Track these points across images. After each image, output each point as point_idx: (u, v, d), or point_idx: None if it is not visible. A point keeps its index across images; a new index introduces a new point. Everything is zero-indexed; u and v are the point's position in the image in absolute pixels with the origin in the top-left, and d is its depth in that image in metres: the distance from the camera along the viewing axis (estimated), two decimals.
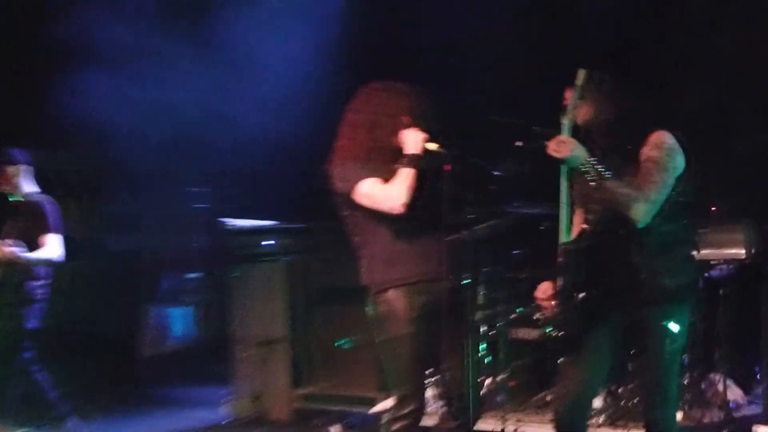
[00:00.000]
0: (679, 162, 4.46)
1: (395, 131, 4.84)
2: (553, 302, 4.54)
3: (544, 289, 4.68)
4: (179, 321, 10.57)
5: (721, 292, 6.92)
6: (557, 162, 4.36)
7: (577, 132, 4.51)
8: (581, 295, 4.41)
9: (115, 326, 9.47)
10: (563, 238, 4.47)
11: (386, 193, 4.74)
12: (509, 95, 7.21)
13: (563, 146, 4.35)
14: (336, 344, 7.74)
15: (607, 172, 4.34)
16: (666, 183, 4.40)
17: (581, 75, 4.47)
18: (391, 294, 4.79)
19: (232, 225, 8.37)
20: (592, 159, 4.37)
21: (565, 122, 4.44)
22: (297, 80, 8.27)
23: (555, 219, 4.51)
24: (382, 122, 4.84)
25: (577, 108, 4.47)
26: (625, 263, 4.42)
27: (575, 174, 4.42)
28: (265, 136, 8.34)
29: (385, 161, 4.81)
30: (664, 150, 4.42)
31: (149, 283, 10.55)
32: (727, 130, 7.59)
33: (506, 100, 6.77)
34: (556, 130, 4.48)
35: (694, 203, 4.51)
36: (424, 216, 4.79)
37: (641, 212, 4.35)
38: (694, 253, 4.71)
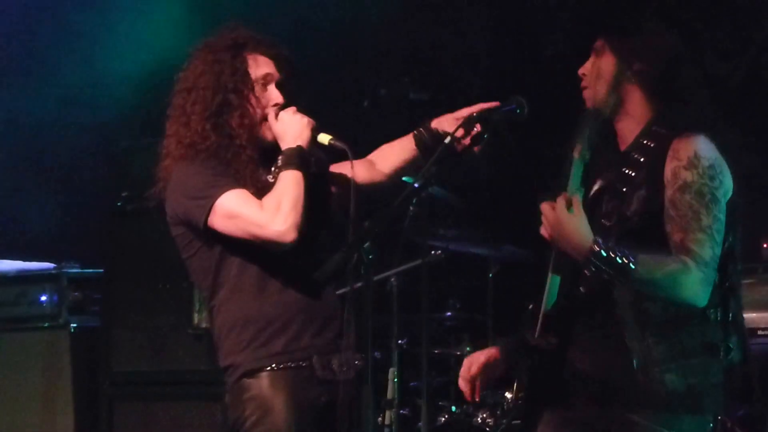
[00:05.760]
0: (728, 183, 3.85)
1: (255, 111, 4.19)
2: (476, 391, 4.04)
3: (470, 365, 4.07)
4: None
5: None
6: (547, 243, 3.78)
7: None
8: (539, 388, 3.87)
9: None
10: (548, 298, 3.79)
11: (265, 212, 4.04)
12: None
13: (554, 220, 3.71)
14: None
15: (631, 260, 3.66)
16: (719, 223, 3.77)
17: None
18: (265, 381, 4.07)
19: None
20: (604, 247, 3.67)
21: (578, 152, 3.80)
22: None
23: (514, 259, 4.35)
24: (228, 98, 4.14)
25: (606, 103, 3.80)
26: (613, 344, 3.83)
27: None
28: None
29: (242, 162, 4.16)
30: (703, 168, 3.77)
31: None
32: None
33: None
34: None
35: (734, 254, 3.85)
36: (312, 255, 4.12)
37: (698, 288, 3.69)
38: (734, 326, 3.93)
